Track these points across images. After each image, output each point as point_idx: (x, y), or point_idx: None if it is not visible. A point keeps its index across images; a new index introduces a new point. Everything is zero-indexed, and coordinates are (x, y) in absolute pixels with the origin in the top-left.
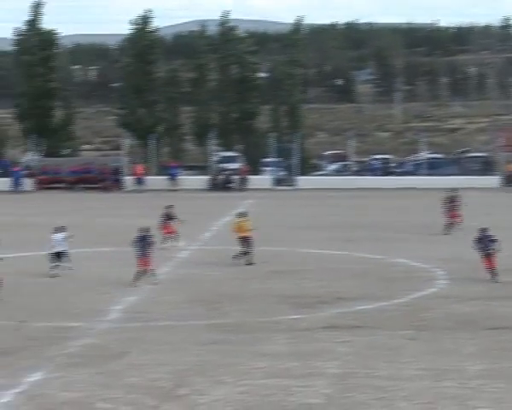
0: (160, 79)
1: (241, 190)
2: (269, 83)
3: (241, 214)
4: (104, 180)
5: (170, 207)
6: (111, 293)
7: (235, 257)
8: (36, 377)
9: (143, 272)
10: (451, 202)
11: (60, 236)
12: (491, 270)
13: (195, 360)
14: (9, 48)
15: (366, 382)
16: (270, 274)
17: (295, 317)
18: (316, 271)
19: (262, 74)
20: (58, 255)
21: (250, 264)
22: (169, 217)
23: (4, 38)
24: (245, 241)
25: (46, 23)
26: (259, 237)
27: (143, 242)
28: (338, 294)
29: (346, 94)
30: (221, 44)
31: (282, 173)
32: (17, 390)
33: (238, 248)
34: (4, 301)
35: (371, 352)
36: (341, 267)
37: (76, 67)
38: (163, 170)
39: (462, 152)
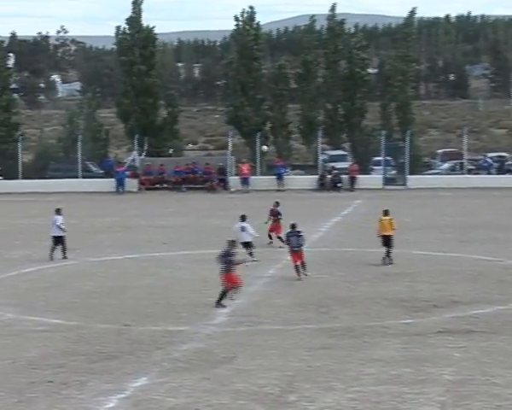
0: (266, 75)
1: (349, 190)
2: (378, 79)
3: (386, 212)
4: (209, 180)
5: (277, 204)
6: (216, 295)
7: (383, 259)
8: (141, 382)
9: (300, 265)
10: None
11: (245, 225)
12: None
13: (304, 366)
14: (113, 46)
15: (482, 389)
16: (381, 277)
17: (407, 321)
18: (428, 273)
19: (371, 70)
20: (247, 245)
21: (390, 263)
22: (276, 214)
23: (108, 37)
24: (387, 240)
25: (149, 21)
26: (369, 239)
27: (298, 237)
28: (452, 297)
29: (459, 89)
30: (329, 39)
31: (392, 172)
32: (122, 396)
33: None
34: (108, 304)
35: (487, 358)
36: (455, 270)
37: (180, 64)
38: (269, 169)
39: None
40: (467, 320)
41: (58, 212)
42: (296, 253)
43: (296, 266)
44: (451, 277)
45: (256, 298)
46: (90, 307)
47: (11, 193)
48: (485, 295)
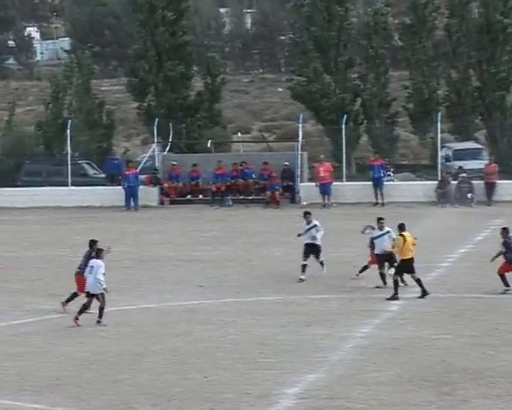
0: (357, 27)
1: (486, 203)
2: None
3: (402, 227)
4: (269, 188)
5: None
6: (281, 367)
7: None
8: None
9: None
10: None
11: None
12: None
13: None
14: None
15: None
16: None
17: None
18: None
19: None
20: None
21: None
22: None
23: None
24: (410, 266)
25: None
26: None
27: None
28: None
29: None
30: None
31: None
32: None
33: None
34: (113, 380)
35: None
36: None
37: (223, 10)
38: (362, 172)
39: None
40: None
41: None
42: None
43: None
44: None
45: (341, 371)
46: (85, 384)
47: None
48: None
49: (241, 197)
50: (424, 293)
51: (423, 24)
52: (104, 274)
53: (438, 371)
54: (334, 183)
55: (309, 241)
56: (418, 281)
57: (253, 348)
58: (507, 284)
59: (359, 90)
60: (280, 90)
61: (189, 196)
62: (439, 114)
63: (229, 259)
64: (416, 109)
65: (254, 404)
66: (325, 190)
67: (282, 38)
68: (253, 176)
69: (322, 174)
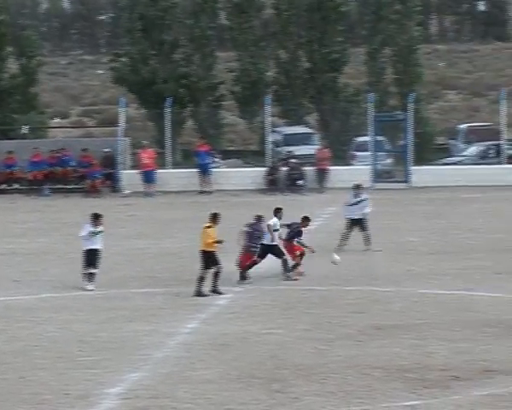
0: (181, 6)
1: (317, 190)
2: (363, 10)
3: (214, 218)
4: (88, 177)
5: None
6: (103, 365)
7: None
8: None
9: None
10: None
11: None
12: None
13: None
14: None
15: None
16: (370, 331)
17: (413, 403)
18: (446, 325)
19: None
20: None
21: (199, 294)
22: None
23: None
24: (206, 258)
25: None
26: (351, 271)
27: None
28: (483, 364)
29: (493, 27)
30: None
31: (385, 162)
32: None
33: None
34: None
35: None
36: (489, 319)
37: None
38: (187, 158)
39: None
40: (509, 400)
41: None
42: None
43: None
44: (482, 330)
45: (166, 369)
46: None
47: None
48: None
49: (60, 186)
50: (197, 292)
51: (251, 2)
52: None
53: (268, 367)
54: (158, 170)
55: (93, 246)
56: (200, 279)
57: (72, 345)
58: (244, 277)
59: (184, 72)
60: (100, 72)
61: (3, 186)
62: (268, 97)
63: (46, 252)
64: (243, 92)
65: (74, 405)
66: (148, 177)
67: (102, 17)
68: (72, 163)
69: (145, 161)
